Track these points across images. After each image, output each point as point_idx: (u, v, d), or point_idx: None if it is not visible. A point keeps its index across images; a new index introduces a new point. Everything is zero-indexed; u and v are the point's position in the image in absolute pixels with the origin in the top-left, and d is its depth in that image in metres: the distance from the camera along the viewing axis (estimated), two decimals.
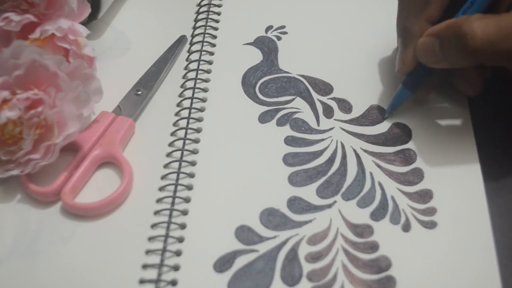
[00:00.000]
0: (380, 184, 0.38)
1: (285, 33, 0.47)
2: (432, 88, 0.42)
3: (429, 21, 0.38)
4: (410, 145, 0.40)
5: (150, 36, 0.47)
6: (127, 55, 0.46)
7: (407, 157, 0.39)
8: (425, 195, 0.37)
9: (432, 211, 0.37)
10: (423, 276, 0.34)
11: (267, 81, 0.44)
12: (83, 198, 0.38)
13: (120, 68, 0.45)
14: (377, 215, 0.37)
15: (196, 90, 0.43)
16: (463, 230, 0.36)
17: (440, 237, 0.36)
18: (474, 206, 0.37)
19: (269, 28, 0.47)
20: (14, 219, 0.37)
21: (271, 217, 0.37)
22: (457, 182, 0.38)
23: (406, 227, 0.36)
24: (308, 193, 0.38)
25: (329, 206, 0.37)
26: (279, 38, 0.47)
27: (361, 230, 0.36)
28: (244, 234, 0.36)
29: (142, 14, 0.49)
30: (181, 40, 0.46)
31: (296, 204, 0.37)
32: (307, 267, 0.34)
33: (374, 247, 0.35)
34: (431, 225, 0.36)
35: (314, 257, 0.35)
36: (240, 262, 0.35)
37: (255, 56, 0.45)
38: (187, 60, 0.45)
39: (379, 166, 0.39)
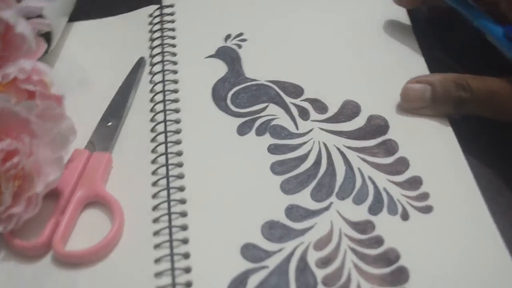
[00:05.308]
0: (370, 178, 0.38)
1: (244, 40, 0.46)
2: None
3: None
4: (389, 135, 0.40)
5: (106, 62, 0.45)
6: (86, 86, 0.44)
7: (389, 148, 0.40)
8: (415, 182, 0.38)
9: (425, 196, 0.37)
10: (433, 260, 0.34)
11: (237, 91, 0.43)
12: (74, 244, 0.36)
13: (82, 101, 0.43)
14: (374, 209, 0.37)
15: (168, 112, 0.42)
16: (458, 209, 0.37)
17: (438, 219, 0.36)
18: (462, 182, 0.38)
19: (227, 37, 0.46)
20: (4, 281, 0.34)
21: (272, 230, 0.36)
22: (442, 163, 0.39)
23: (405, 216, 0.37)
24: (303, 199, 0.37)
25: (327, 208, 0.37)
26: (239, 46, 0.46)
27: (363, 226, 0.36)
28: (250, 252, 0.35)
29: (93, 40, 0.47)
30: (140, 62, 0.44)
31: (294, 212, 0.37)
32: (319, 273, 0.34)
33: (379, 241, 0.36)
34: (427, 209, 0.37)
35: (324, 262, 0.35)
36: (253, 281, 0.34)
37: (220, 68, 0.44)
38: (151, 82, 0.44)
39: (365, 161, 0.39)
